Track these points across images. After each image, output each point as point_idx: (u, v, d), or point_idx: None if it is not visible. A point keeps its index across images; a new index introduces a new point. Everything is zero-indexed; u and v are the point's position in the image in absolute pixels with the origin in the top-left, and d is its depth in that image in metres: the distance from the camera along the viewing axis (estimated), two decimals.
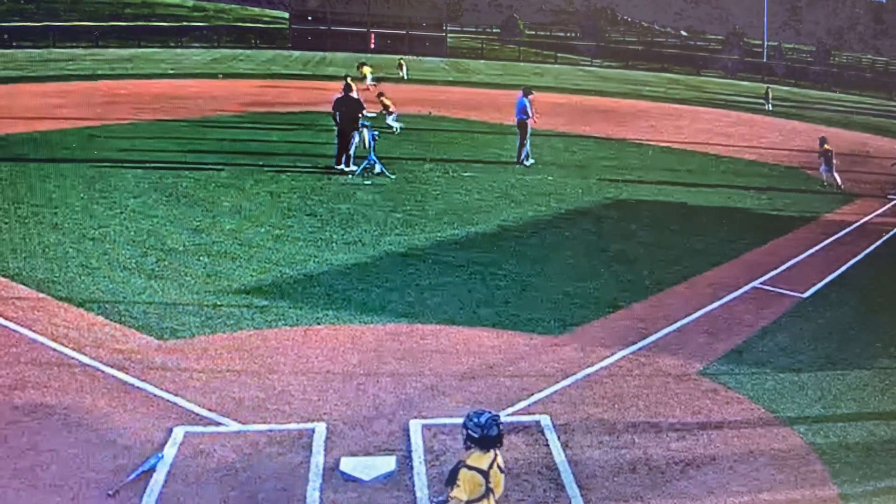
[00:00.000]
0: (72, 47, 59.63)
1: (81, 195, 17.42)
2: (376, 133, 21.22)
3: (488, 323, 11.75)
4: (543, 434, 8.74)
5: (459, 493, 5.69)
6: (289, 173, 20.67)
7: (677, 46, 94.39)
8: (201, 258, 13.87)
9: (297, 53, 67.19)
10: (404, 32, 75.69)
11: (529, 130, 23.78)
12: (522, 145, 23.83)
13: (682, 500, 7.71)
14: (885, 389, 10.34)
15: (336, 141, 21.43)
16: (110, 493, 7.29)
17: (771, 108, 46.33)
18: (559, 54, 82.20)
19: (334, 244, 15.07)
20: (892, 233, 18.78)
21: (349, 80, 26.35)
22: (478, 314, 12.07)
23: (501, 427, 5.88)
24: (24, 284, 12.19)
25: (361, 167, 20.86)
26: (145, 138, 24.74)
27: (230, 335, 10.87)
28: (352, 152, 21.27)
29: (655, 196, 21.22)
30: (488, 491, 5.81)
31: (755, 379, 10.35)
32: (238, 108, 32.75)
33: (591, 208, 19.43)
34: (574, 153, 27.08)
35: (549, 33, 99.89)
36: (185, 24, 77.54)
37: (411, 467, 7.97)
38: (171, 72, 47.35)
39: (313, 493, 7.50)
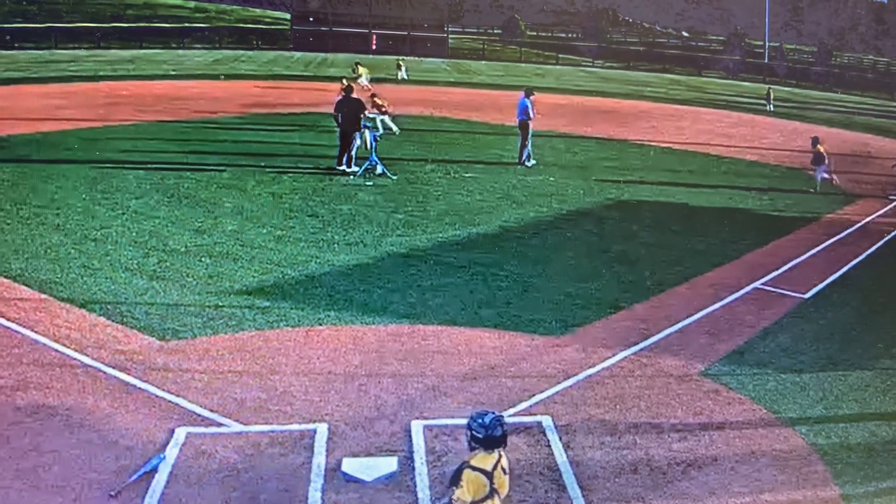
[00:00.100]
0: (74, 48, 59.70)
1: (83, 196, 17.44)
2: (378, 134, 21.22)
3: (490, 324, 11.75)
4: (545, 435, 8.74)
5: (463, 493, 5.68)
6: (290, 174, 20.68)
7: (679, 47, 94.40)
8: (203, 259, 13.89)
9: (298, 54, 67.25)
10: (406, 33, 75.72)
11: (531, 131, 23.80)
12: (524, 146, 23.84)
13: (683, 500, 7.71)
14: (886, 390, 10.34)
15: (338, 142, 21.47)
16: (112, 493, 7.30)
17: (772, 109, 46.32)
18: (560, 55, 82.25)
19: (336, 245, 15.08)
20: (893, 233, 18.78)
21: (345, 80, 26.49)
22: (479, 315, 12.08)
23: (505, 428, 5.88)
24: (27, 285, 12.21)
25: (363, 168, 20.88)
26: (147, 139, 24.77)
27: (232, 336, 10.88)
28: (353, 153, 21.29)
29: (657, 197, 21.22)
30: (492, 492, 5.81)
31: (757, 379, 10.35)
32: (240, 108, 32.78)
33: (592, 209, 19.43)
34: (575, 154, 27.09)
35: (550, 34, 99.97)
36: (186, 25, 77.63)
37: (413, 468, 7.98)
38: (173, 73, 47.40)
39: (315, 494, 7.51)
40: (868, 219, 20.29)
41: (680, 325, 12.12)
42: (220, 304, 11.97)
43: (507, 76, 59.25)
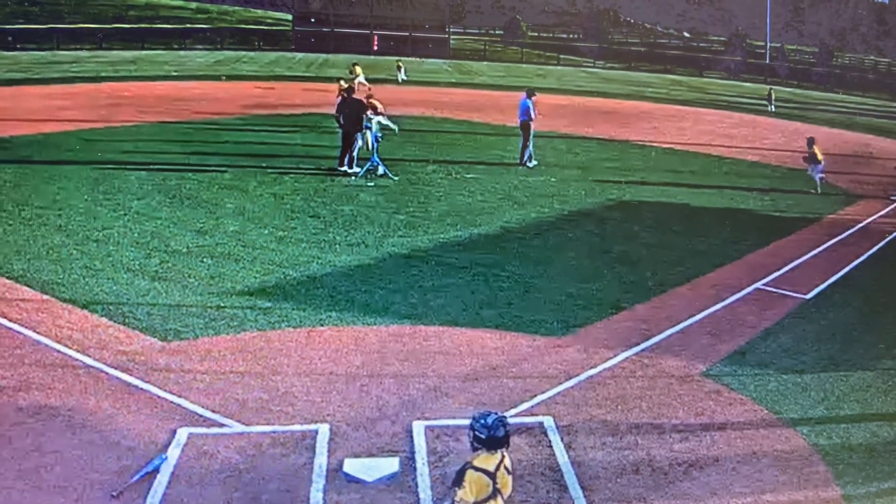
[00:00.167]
0: (76, 49, 59.76)
1: (85, 197, 17.46)
2: (379, 135, 21.23)
3: (491, 324, 11.76)
4: (546, 435, 8.75)
5: (466, 494, 5.69)
6: (292, 175, 20.70)
7: (680, 48, 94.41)
8: (205, 260, 13.90)
9: (300, 55, 67.31)
10: (407, 34, 75.76)
11: (532, 132, 23.81)
12: (525, 147, 23.85)
13: (685, 501, 7.72)
14: (888, 391, 10.34)
15: (340, 143, 21.48)
16: (114, 494, 7.31)
17: (773, 110, 46.30)
18: (562, 56, 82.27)
19: (337, 246, 15.09)
20: (894, 234, 18.76)
21: (343, 82, 26.51)
22: (481, 315, 12.08)
23: (508, 428, 5.88)
24: (29, 286, 12.23)
25: (364, 169, 20.89)
26: (149, 140, 24.79)
27: (233, 337, 10.89)
28: (355, 154, 21.30)
29: (658, 197, 21.22)
30: (495, 492, 5.81)
31: (758, 380, 10.35)
32: (241, 109, 32.81)
33: (593, 210, 19.44)
34: (577, 154, 27.10)
35: (551, 35, 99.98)
36: (188, 26, 77.69)
37: (414, 468, 7.98)
38: (175, 74, 47.45)
39: (317, 495, 7.51)
40: (869, 219, 20.29)
41: (681, 325, 12.13)
42: (222, 304, 11.98)
43: (508, 77, 59.26)
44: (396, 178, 20.71)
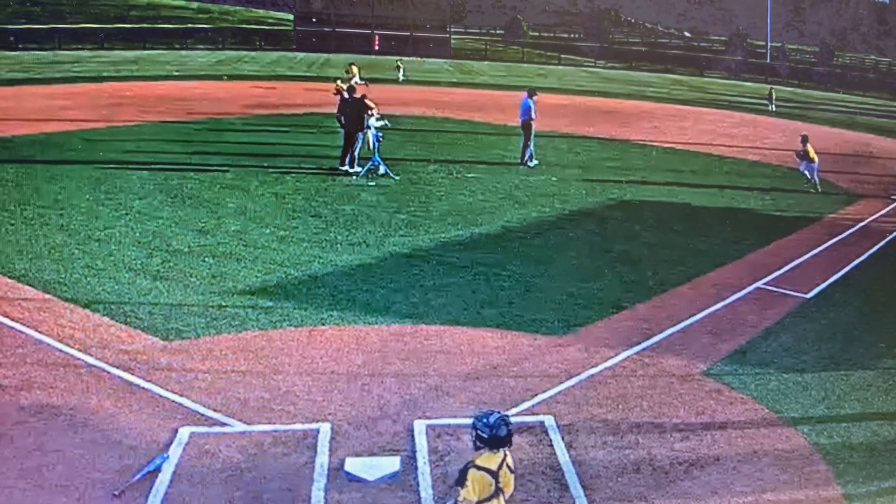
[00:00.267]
0: (77, 49, 59.81)
1: (87, 196, 17.48)
2: (381, 134, 21.25)
3: (492, 324, 11.77)
4: (547, 434, 8.76)
5: (468, 493, 5.70)
6: (293, 175, 20.71)
7: (681, 47, 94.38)
8: (206, 259, 13.92)
9: (301, 55, 67.35)
10: (408, 34, 75.80)
11: (533, 131, 23.81)
12: (526, 146, 23.86)
13: (686, 500, 7.73)
14: (888, 390, 10.34)
15: (341, 142, 21.49)
16: (116, 493, 7.33)
17: (774, 109, 46.30)
18: (563, 55, 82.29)
19: (339, 245, 15.10)
20: (895, 233, 18.76)
21: (339, 81, 26.47)
22: (482, 315, 12.10)
23: (510, 427, 5.89)
24: (30, 285, 12.24)
25: (366, 168, 20.89)
26: (150, 140, 24.81)
27: (235, 336, 10.90)
28: (356, 153, 21.31)
29: (659, 197, 21.23)
30: (498, 491, 5.83)
31: (759, 379, 10.36)
32: (243, 109, 32.82)
33: (594, 209, 19.44)
34: (578, 154, 27.10)
35: (552, 34, 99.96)
36: (189, 26, 77.74)
37: (416, 467, 8.00)
38: (177, 73, 47.47)
39: (318, 494, 7.53)
40: (870, 219, 20.29)
41: (682, 324, 12.14)
42: (224, 304, 12.00)
43: (509, 76, 59.27)
44: (397, 178, 20.72)
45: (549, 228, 17.30)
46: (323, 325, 11.43)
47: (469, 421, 5.99)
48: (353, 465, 7.92)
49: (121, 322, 11.09)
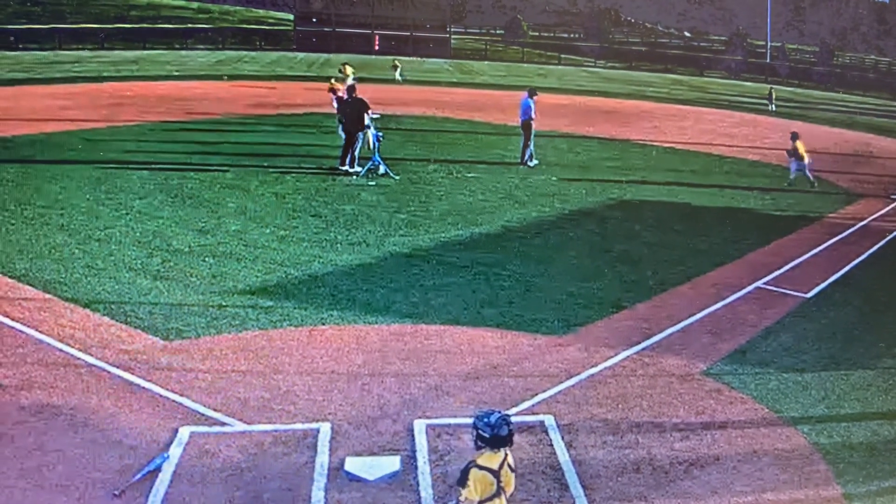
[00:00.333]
0: (78, 49, 59.82)
1: (87, 196, 17.48)
2: (381, 134, 21.25)
3: (492, 323, 11.77)
4: (547, 434, 8.76)
5: (470, 493, 5.71)
6: (293, 174, 20.72)
7: (681, 47, 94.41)
8: (206, 259, 13.92)
9: (301, 55, 67.35)
10: (408, 34, 75.81)
11: (533, 131, 23.82)
12: (526, 146, 23.86)
13: (686, 499, 7.73)
14: (888, 389, 10.35)
15: (341, 142, 21.50)
16: (116, 493, 7.33)
17: (774, 109, 46.31)
18: (563, 55, 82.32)
19: (339, 245, 15.11)
20: (895, 233, 18.76)
21: (333, 81, 26.48)
22: (482, 314, 12.10)
23: (512, 426, 5.90)
24: (31, 285, 12.25)
25: (366, 168, 20.90)
26: (151, 140, 24.83)
27: (235, 335, 10.91)
28: (356, 153, 21.31)
29: (659, 196, 21.23)
30: (499, 490, 5.83)
31: (759, 379, 10.36)
32: (243, 109, 32.83)
33: (594, 209, 19.44)
34: (578, 154, 27.11)
35: (552, 34, 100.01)
36: (190, 26, 77.76)
37: (416, 467, 8.00)
38: (177, 73, 47.48)
39: (318, 493, 7.53)
40: (870, 218, 20.29)
41: (682, 324, 12.14)
42: (224, 303, 12.00)
43: (509, 76, 59.29)
44: (398, 178, 20.73)
45: (549, 228, 17.31)
46: (323, 324, 11.43)
47: (469, 420, 6.00)
48: (353, 464, 7.93)
49: (121, 322, 11.10)
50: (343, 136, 23.42)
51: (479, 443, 5.87)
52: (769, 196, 22.14)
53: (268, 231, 15.78)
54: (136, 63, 52.34)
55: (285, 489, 7.57)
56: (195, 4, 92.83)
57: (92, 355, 10.02)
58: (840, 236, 18.17)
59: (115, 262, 13.49)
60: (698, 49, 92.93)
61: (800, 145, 23.11)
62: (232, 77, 46.64)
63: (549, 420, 9.03)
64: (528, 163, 23.68)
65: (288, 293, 12.59)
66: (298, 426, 8.65)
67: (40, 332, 10.62)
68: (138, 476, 7.56)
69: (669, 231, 17.74)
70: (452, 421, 8.83)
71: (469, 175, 21.95)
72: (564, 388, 9.83)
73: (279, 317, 11.61)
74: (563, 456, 8.32)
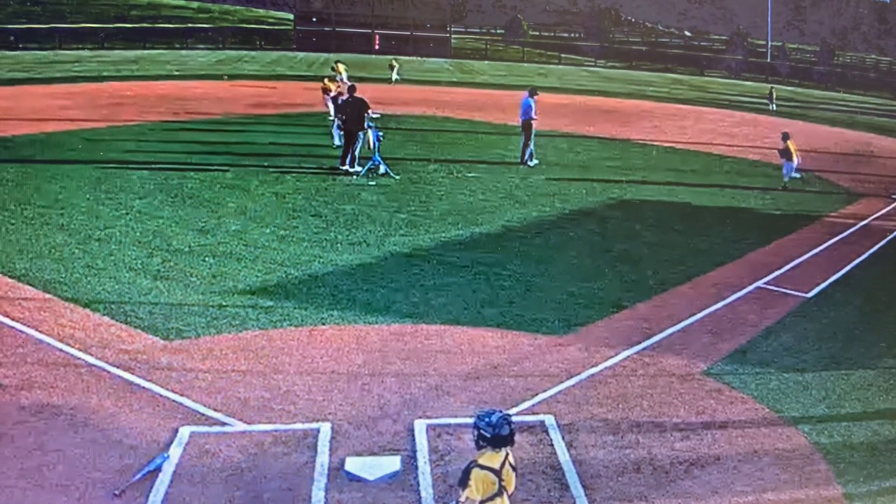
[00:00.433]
0: (78, 49, 59.80)
1: (87, 196, 17.48)
2: (381, 134, 21.24)
3: (493, 323, 11.77)
4: (548, 434, 8.76)
5: (472, 492, 5.71)
6: (294, 174, 20.71)
7: (681, 47, 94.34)
8: (207, 259, 13.92)
9: (301, 54, 67.31)
10: (408, 33, 75.77)
11: (534, 131, 23.81)
12: (527, 146, 23.86)
13: (686, 499, 7.73)
14: (889, 389, 10.34)
15: (342, 141, 21.50)
16: (116, 492, 7.33)
17: (775, 109, 46.29)
18: (563, 55, 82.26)
19: (339, 245, 15.10)
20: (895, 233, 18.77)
21: (326, 80, 26.51)
22: (482, 314, 12.09)
23: (513, 426, 5.90)
24: (31, 285, 12.25)
25: (366, 168, 20.90)
26: (151, 140, 24.83)
27: (235, 335, 10.90)
28: (356, 153, 21.31)
29: (659, 196, 21.23)
30: (501, 489, 5.83)
31: (759, 379, 10.35)
32: (243, 109, 32.83)
33: (595, 209, 19.44)
34: (578, 154, 27.10)
35: (552, 34, 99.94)
36: (190, 25, 77.72)
37: (416, 467, 7.99)
38: (177, 73, 47.47)
39: (318, 493, 7.53)
40: (871, 218, 20.28)
41: (682, 324, 12.13)
42: (224, 303, 12.00)
43: (509, 76, 59.27)
44: (398, 177, 20.72)
45: (550, 228, 17.30)
46: (323, 324, 11.43)
47: (469, 420, 5.99)
48: (353, 464, 7.92)
49: (121, 321, 11.10)
50: (337, 136, 23.51)
51: (481, 442, 5.87)
52: (769, 196, 22.13)
53: (268, 231, 15.78)
54: (137, 63, 52.33)
55: (285, 489, 7.57)
56: (195, 4, 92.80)
57: (92, 355, 10.02)
58: (841, 236, 18.16)
59: (115, 262, 13.49)
60: (699, 48, 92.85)
61: (791, 145, 23.07)
62: (232, 77, 46.65)
63: (549, 420, 9.03)
64: (529, 162, 23.67)
65: (288, 293, 12.59)
66: (299, 426, 8.65)
67: (40, 331, 10.62)
68: (138, 476, 7.56)
69: (670, 231, 17.73)
70: (453, 421, 8.83)
71: (469, 175, 21.95)
72: (565, 388, 9.83)
73: (279, 317, 11.60)
74: (563, 456, 8.32)
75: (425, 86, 47.76)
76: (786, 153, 23.05)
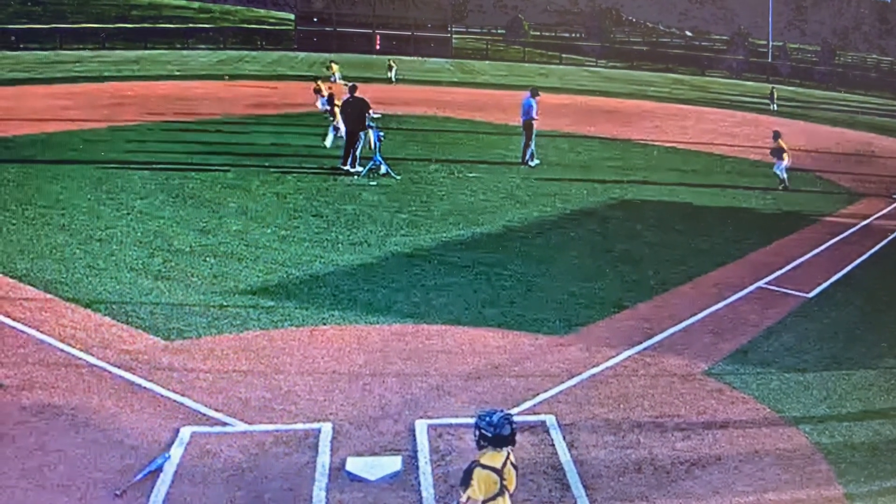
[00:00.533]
0: (79, 49, 59.83)
1: (88, 196, 17.49)
2: (382, 134, 21.24)
3: (494, 323, 11.77)
4: (549, 434, 8.75)
5: (474, 492, 5.71)
6: (295, 174, 20.72)
7: (682, 47, 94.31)
8: (208, 259, 13.92)
9: (302, 55, 67.33)
10: (409, 34, 75.79)
11: (535, 131, 23.81)
12: (528, 146, 23.85)
13: (687, 499, 7.72)
14: (890, 389, 10.33)
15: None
16: (117, 493, 7.33)
17: (776, 108, 46.26)
18: (564, 55, 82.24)
19: (340, 245, 15.10)
20: None
21: (319, 81, 26.53)
22: (483, 314, 12.09)
23: (514, 425, 5.90)
24: (32, 285, 12.25)
25: (367, 168, 20.90)
26: (152, 140, 24.83)
27: (236, 336, 10.91)
28: (357, 153, 21.31)
29: (660, 196, 21.22)
30: (502, 489, 5.84)
31: (760, 379, 10.35)
32: (244, 109, 32.83)
33: (596, 209, 19.43)
34: (579, 154, 27.09)
35: (553, 34, 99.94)
36: (191, 25, 77.75)
37: (417, 467, 7.99)
38: (178, 73, 47.49)
39: (319, 493, 7.53)
40: (872, 218, 20.26)
41: (684, 324, 12.13)
42: (225, 303, 12.00)
43: (510, 76, 59.27)
44: (399, 178, 20.72)
45: (551, 228, 17.30)
46: (324, 324, 11.43)
47: (470, 420, 5.99)
48: (354, 464, 7.92)
49: (122, 322, 11.10)
50: (330, 137, 23.54)
51: (482, 442, 5.87)
52: (771, 196, 22.12)
53: (269, 231, 15.78)
54: (137, 63, 52.36)
55: (286, 489, 7.57)
56: (196, 4, 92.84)
57: (93, 355, 10.02)
58: (841, 236, 18.15)
59: (116, 262, 13.49)
60: (700, 48, 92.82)
61: (782, 143, 23.02)
62: (233, 77, 46.67)
63: (550, 420, 9.03)
64: (530, 162, 23.67)
65: (289, 293, 12.59)
66: (300, 426, 8.65)
67: (41, 332, 10.62)
68: (139, 476, 7.56)
69: (671, 231, 17.73)
70: (454, 421, 8.83)
71: (470, 175, 21.94)
72: (566, 388, 9.82)
73: (280, 317, 11.61)
74: (564, 456, 8.31)
75: (426, 86, 47.78)
76: (777, 152, 23.01)
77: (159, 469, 7.69)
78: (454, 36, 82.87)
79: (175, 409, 8.86)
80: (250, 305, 11.97)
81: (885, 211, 21.25)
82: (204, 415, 8.78)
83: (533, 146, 23.82)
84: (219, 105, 33.52)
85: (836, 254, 16.68)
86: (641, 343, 11.31)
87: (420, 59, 68.91)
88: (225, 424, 8.63)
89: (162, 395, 9.14)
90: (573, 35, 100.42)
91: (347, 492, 7.58)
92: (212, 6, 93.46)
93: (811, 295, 13.79)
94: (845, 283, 14.76)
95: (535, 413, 9.18)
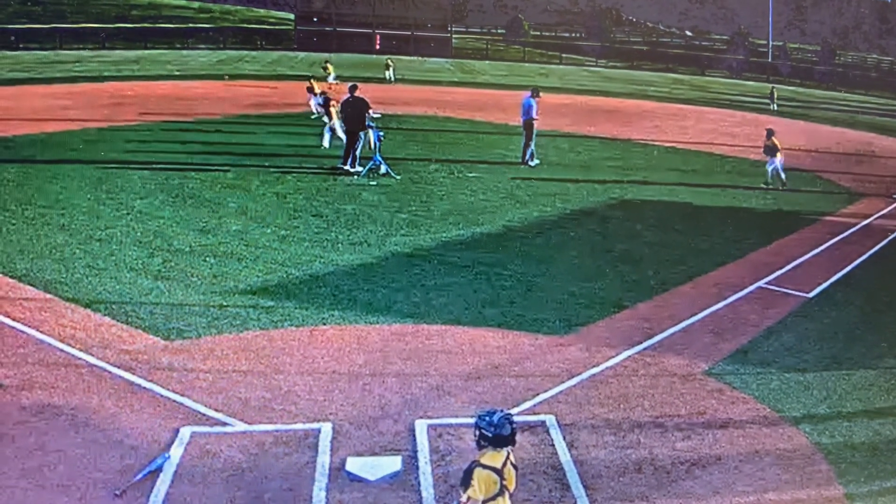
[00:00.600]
0: (78, 49, 59.80)
1: (88, 196, 17.49)
2: (382, 133, 21.24)
3: (493, 323, 11.77)
4: (549, 434, 8.75)
5: (474, 492, 5.71)
6: (294, 174, 20.71)
7: (682, 46, 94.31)
8: (207, 259, 13.92)
9: (302, 54, 67.26)
10: (409, 33, 75.76)
11: (535, 131, 23.80)
12: (528, 146, 23.84)
13: (687, 499, 7.72)
14: (890, 389, 10.33)
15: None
16: (117, 493, 7.33)
17: (776, 108, 46.26)
18: (564, 55, 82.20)
19: (340, 245, 15.10)
20: None
21: (312, 81, 26.58)
22: (483, 314, 12.09)
23: (514, 425, 5.90)
24: (32, 285, 12.25)
25: (367, 168, 20.89)
26: (151, 140, 24.83)
27: (236, 336, 10.90)
28: (357, 153, 21.30)
29: (660, 196, 21.22)
30: (503, 489, 5.84)
31: (760, 379, 10.35)
32: (244, 109, 32.82)
33: (596, 208, 19.43)
34: (579, 153, 27.09)
35: (553, 34, 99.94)
36: (191, 25, 77.72)
37: (417, 467, 7.99)
38: (178, 73, 47.48)
39: (319, 493, 7.53)
40: (872, 218, 20.26)
41: (684, 324, 12.13)
42: (225, 303, 12.00)
43: (510, 76, 59.25)
44: (399, 177, 20.72)
45: (551, 228, 17.30)
46: (324, 324, 11.42)
47: (470, 421, 5.99)
48: (354, 464, 7.92)
49: (122, 322, 11.10)
50: (327, 138, 23.55)
51: (482, 442, 5.87)
52: (771, 195, 22.12)
53: (269, 231, 15.78)
54: (137, 63, 52.34)
55: (286, 489, 7.57)
56: (196, 4, 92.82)
57: (93, 355, 10.02)
58: (842, 236, 18.15)
59: (116, 262, 13.49)
60: (700, 48, 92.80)
61: (776, 141, 22.97)
62: (233, 77, 46.66)
63: (550, 420, 9.02)
64: (530, 162, 23.66)
65: (289, 293, 12.58)
66: (299, 426, 8.65)
67: (41, 332, 10.62)
68: (139, 476, 7.56)
69: (671, 230, 17.73)
70: (454, 421, 8.83)
71: (470, 175, 21.94)
72: (566, 388, 9.82)
73: (280, 317, 11.60)
74: (564, 456, 8.31)
75: (426, 86, 47.76)
76: (770, 149, 22.98)
77: (159, 469, 7.69)
78: (454, 36, 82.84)
79: (175, 409, 8.86)
80: (250, 305, 11.97)
81: (885, 211, 21.24)
82: (204, 415, 8.78)
83: (533, 146, 23.82)
84: (219, 105, 33.51)
85: (837, 254, 16.68)
86: (641, 343, 11.30)
87: (420, 58, 68.88)
88: (225, 424, 8.63)
89: (162, 395, 9.14)
90: (573, 35, 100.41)
91: (347, 492, 7.57)
92: (212, 6, 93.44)
93: (811, 295, 13.79)
94: (845, 283, 14.76)
95: (535, 413, 9.18)
